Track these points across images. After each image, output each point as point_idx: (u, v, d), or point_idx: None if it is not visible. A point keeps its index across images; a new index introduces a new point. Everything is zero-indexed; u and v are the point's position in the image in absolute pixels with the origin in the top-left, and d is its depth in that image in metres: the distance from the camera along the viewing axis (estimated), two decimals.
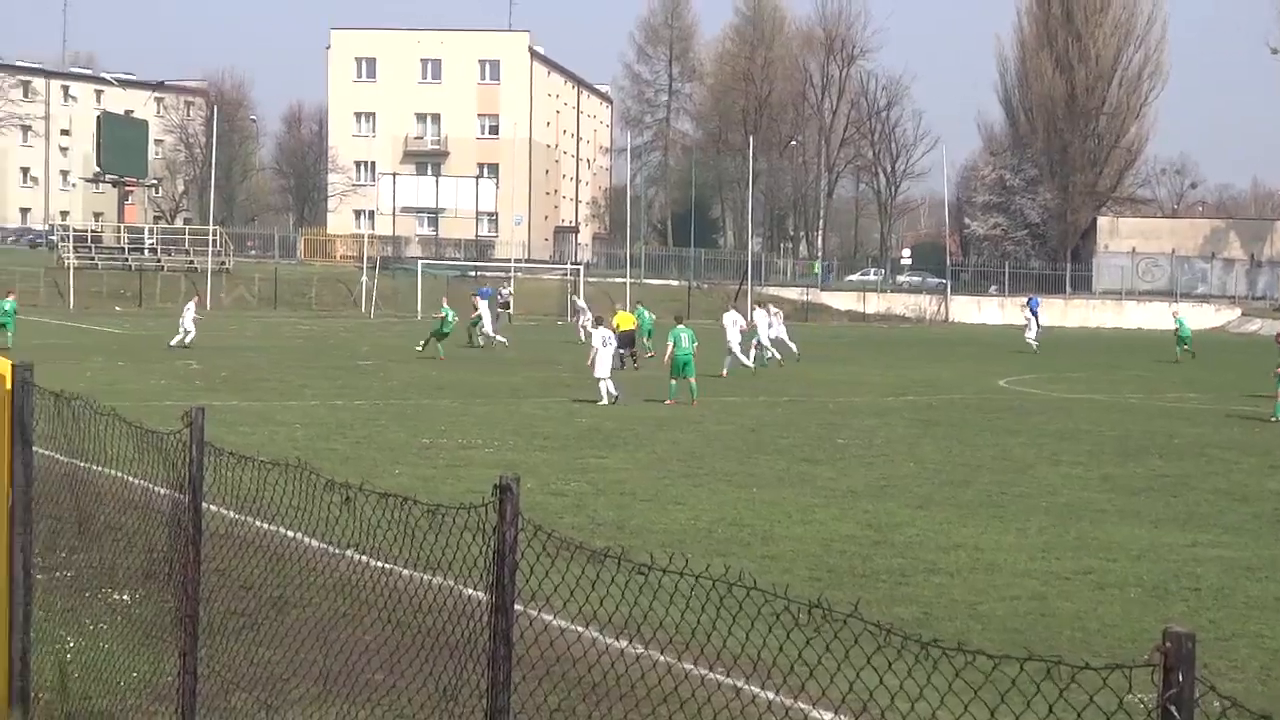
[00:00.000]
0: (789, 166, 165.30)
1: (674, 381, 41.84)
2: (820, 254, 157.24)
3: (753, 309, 64.09)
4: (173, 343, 60.60)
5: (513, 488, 6.93)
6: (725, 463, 28.69)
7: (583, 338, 73.52)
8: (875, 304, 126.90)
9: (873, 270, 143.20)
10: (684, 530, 20.86)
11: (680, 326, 43.38)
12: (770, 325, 60.71)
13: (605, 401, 40.57)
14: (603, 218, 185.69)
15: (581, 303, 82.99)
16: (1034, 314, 79.98)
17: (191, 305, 64.48)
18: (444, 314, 61.72)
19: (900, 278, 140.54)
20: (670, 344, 42.73)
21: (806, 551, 19.46)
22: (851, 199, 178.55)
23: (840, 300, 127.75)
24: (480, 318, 69.24)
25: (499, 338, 69.09)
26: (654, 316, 66.24)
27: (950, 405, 43.80)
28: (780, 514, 22.40)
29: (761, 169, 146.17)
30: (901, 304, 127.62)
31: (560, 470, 26.73)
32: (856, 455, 30.49)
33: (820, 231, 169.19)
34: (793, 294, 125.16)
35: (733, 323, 55.21)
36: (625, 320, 58.42)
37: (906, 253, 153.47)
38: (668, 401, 41.08)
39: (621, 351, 54.84)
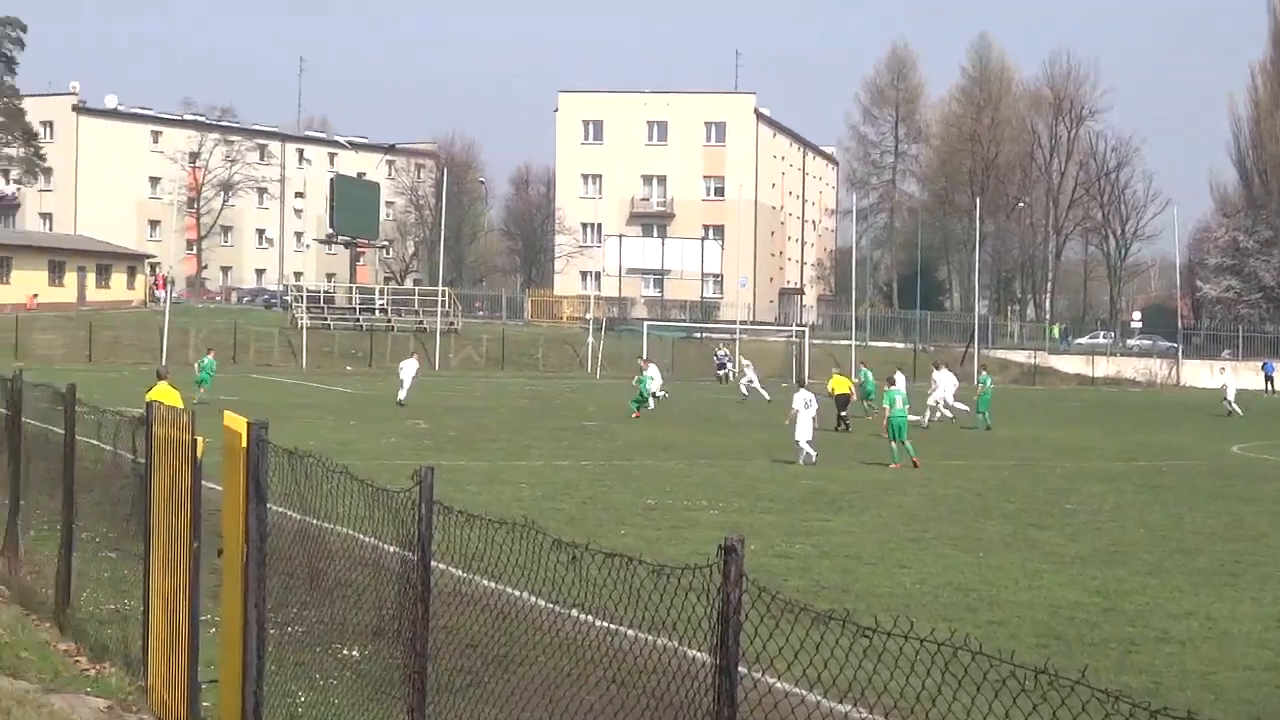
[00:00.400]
0: (1016, 228, 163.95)
1: (894, 445, 41.60)
2: (1049, 316, 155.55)
3: (935, 369, 63.57)
4: (400, 398, 61.76)
5: (737, 549, 6.94)
6: (950, 527, 28.46)
7: (744, 392, 74.84)
8: (1104, 367, 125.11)
9: (1102, 333, 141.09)
10: (909, 594, 20.71)
11: (893, 389, 43.13)
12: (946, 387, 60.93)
13: (803, 462, 40.48)
14: (828, 279, 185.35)
15: (744, 361, 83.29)
16: (1269, 378, 78.49)
17: (412, 361, 65.66)
18: (638, 380, 64.53)
19: (1130, 341, 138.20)
20: (886, 407, 42.59)
21: (1033, 618, 19.23)
22: (1080, 261, 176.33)
23: (1068, 364, 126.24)
24: (650, 378, 70.07)
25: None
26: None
27: (1181, 471, 43.06)
28: (1006, 579, 22.16)
29: (988, 231, 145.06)
30: (1131, 368, 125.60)
31: (785, 532, 26.67)
32: (1085, 521, 30.08)
33: (1048, 294, 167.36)
34: (1020, 357, 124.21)
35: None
36: (841, 384, 58.19)
37: (1136, 315, 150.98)
38: (892, 466, 40.81)
39: (841, 414, 55.04)
